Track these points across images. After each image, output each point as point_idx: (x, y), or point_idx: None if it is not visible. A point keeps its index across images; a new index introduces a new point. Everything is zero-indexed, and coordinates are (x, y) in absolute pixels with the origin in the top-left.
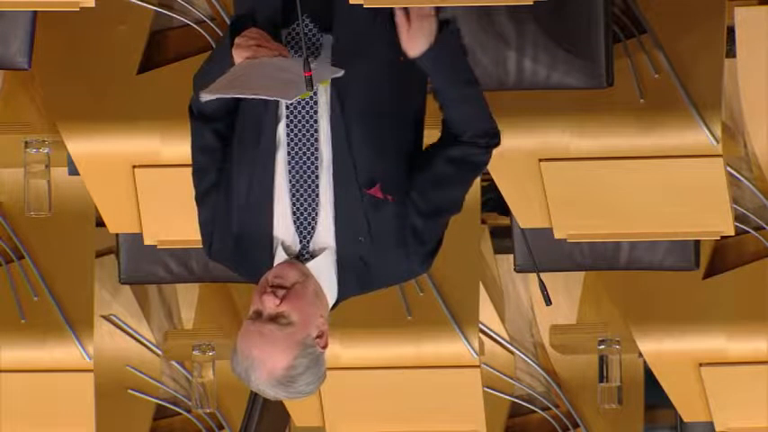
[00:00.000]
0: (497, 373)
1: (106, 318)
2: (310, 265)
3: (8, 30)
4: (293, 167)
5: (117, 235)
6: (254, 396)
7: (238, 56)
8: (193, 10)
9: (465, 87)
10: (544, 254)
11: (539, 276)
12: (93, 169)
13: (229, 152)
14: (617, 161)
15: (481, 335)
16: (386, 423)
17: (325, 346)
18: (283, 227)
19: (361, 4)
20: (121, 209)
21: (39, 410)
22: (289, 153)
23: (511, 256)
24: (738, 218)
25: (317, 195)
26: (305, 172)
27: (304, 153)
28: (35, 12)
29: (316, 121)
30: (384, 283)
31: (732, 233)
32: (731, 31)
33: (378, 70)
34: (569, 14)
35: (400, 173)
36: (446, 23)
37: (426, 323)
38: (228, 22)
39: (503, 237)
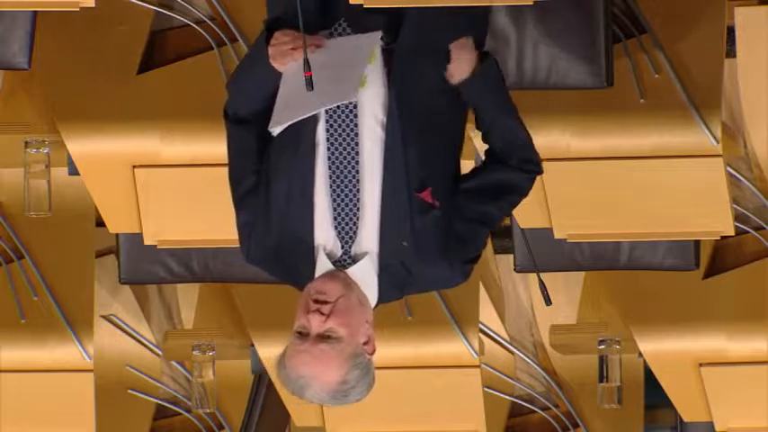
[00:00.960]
0: (497, 373)
1: (106, 318)
2: (352, 270)
3: (8, 30)
4: (334, 172)
5: (117, 235)
6: (254, 396)
7: (280, 66)
8: (193, 10)
9: (507, 115)
10: (544, 254)
11: (539, 276)
12: (93, 169)
13: (267, 154)
14: (617, 161)
15: (481, 335)
16: (386, 423)
17: (372, 352)
18: (324, 231)
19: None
20: (121, 209)
21: (39, 410)
22: (329, 159)
23: (511, 256)
24: (738, 218)
25: (358, 199)
26: (346, 174)
27: (345, 155)
28: (35, 12)
29: (357, 125)
30: (422, 288)
31: (732, 233)
32: (731, 31)
33: (435, 76)
34: (569, 14)
35: (447, 180)
36: (486, 54)
37: (426, 323)
38: (229, 22)
39: (503, 237)
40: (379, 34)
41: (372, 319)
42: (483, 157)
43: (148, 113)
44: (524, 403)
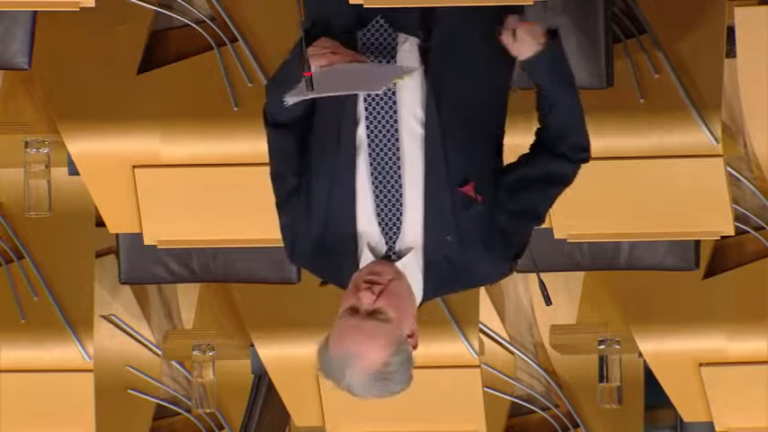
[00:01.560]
0: (497, 373)
1: (106, 318)
2: (399, 263)
3: (8, 30)
4: (375, 169)
5: (117, 235)
6: (254, 396)
7: (312, 64)
8: (193, 10)
9: (570, 96)
10: (544, 254)
11: (539, 276)
12: (93, 169)
13: (307, 157)
14: (617, 161)
15: (481, 335)
16: (386, 423)
17: (415, 346)
18: (368, 228)
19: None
20: (121, 209)
21: (39, 410)
22: (370, 155)
23: None
24: (738, 218)
25: (401, 195)
26: (387, 172)
27: (386, 154)
28: (35, 12)
29: (396, 121)
30: (467, 284)
31: (732, 233)
32: (731, 31)
33: (472, 73)
34: (569, 14)
35: (489, 174)
36: (554, 32)
37: (427, 323)
38: (229, 22)
39: None
40: (420, 70)
41: (416, 316)
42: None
43: (148, 113)
44: (524, 403)
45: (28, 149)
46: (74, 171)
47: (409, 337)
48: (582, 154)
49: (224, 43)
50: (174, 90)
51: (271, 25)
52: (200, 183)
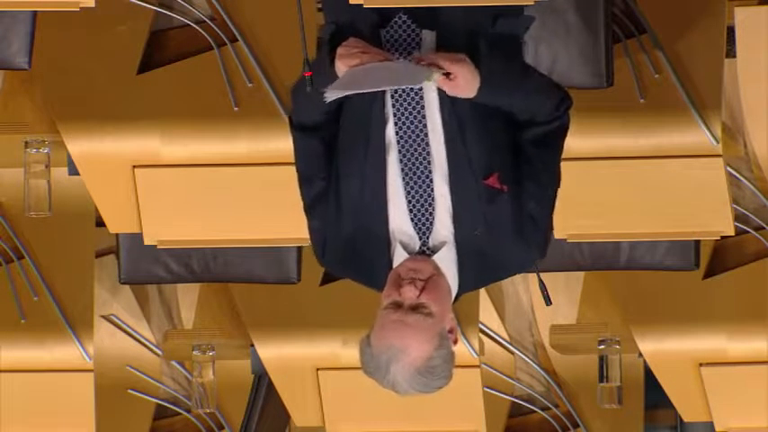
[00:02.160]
0: (497, 373)
1: (106, 318)
2: (435, 257)
3: (8, 30)
4: (406, 166)
5: (117, 235)
6: (254, 396)
7: (343, 65)
8: (193, 10)
9: (525, 90)
10: None
11: (539, 276)
12: (93, 169)
13: (335, 160)
14: (617, 161)
15: (481, 335)
16: (386, 423)
17: (455, 342)
18: (401, 226)
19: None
20: (121, 209)
21: (39, 410)
22: (400, 152)
23: None
24: (738, 218)
25: (432, 191)
26: (418, 170)
27: (415, 151)
28: (35, 12)
29: (424, 117)
30: (502, 274)
31: (732, 233)
32: (731, 31)
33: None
34: (569, 14)
35: (511, 163)
36: (476, 52)
37: None
38: (229, 22)
39: None
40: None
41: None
42: None
43: (148, 113)
44: (524, 403)
45: (28, 149)
46: (74, 171)
47: (449, 332)
48: (563, 105)
49: (224, 43)
50: (174, 90)
51: (271, 25)
52: (200, 183)
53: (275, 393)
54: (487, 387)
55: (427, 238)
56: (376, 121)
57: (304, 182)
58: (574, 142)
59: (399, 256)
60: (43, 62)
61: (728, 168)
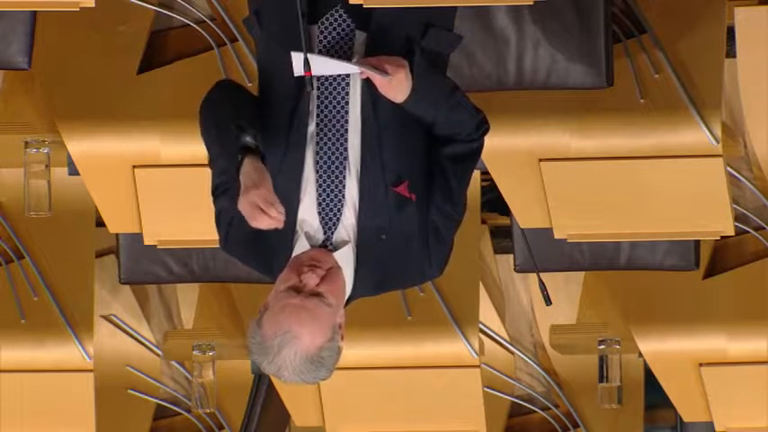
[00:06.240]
0: (497, 373)
1: (106, 318)
2: (335, 254)
3: (8, 30)
4: (321, 159)
5: (117, 235)
6: (254, 396)
7: (253, 223)
8: (193, 10)
9: (450, 104)
10: (544, 254)
11: (539, 276)
12: (93, 169)
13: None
14: (617, 161)
15: (481, 335)
16: (386, 423)
17: (343, 338)
18: (308, 217)
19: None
20: (121, 209)
21: (38, 410)
22: (318, 145)
23: (511, 256)
24: (738, 218)
25: (344, 187)
26: (333, 165)
27: (333, 146)
28: (35, 12)
29: (347, 113)
30: (398, 284)
31: (732, 233)
32: (731, 31)
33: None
34: (569, 14)
35: (423, 173)
36: (411, 57)
37: (426, 323)
38: (229, 22)
39: (503, 237)
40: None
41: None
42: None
43: (148, 113)
44: (524, 403)
45: (28, 149)
46: (74, 171)
47: (339, 327)
48: (481, 127)
49: (224, 43)
50: (174, 90)
51: None
52: (200, 183)
53: (275, 393)
54: (487, 387)
55: (332, 233)
56: (300, 114)
57: (213, 161)
58: (574, 142)
59: (301, 247)
60: (43, 62)
61: (728, 168)
